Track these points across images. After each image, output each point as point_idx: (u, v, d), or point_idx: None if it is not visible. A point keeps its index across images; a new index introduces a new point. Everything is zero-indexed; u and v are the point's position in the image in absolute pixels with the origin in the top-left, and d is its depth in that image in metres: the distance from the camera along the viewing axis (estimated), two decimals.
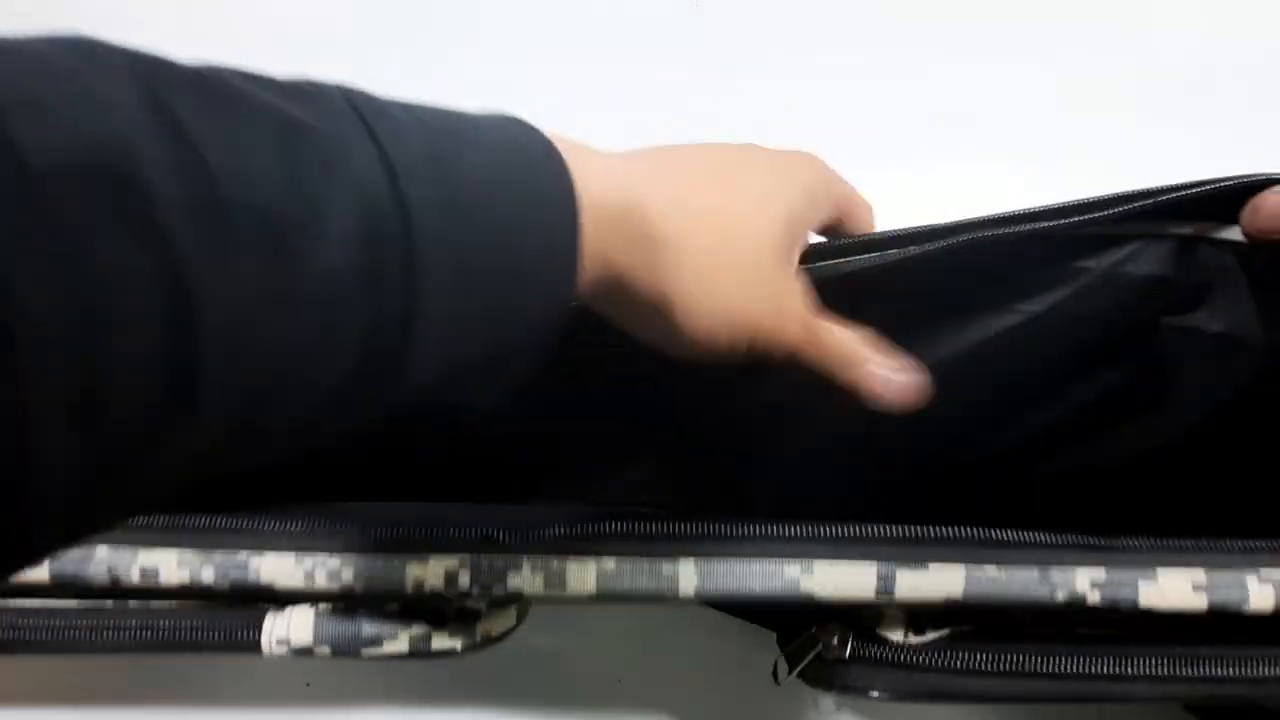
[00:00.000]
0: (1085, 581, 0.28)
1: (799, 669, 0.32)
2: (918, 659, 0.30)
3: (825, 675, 0.31)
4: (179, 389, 0.14)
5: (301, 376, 0.16)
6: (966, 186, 0.44)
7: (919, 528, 0.28)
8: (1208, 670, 0.28)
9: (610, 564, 0.29)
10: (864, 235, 0.30)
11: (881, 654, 0.30)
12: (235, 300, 0.15)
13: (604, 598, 0.29)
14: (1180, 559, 0.28)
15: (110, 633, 0.29)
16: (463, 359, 0.19)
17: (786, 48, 0.49)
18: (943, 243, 0.29)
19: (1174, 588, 0.28)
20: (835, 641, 0.31)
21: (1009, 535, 0.28)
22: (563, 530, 0.28)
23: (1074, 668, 0.29)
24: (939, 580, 0.28)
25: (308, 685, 0.40)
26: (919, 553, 0.28)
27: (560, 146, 0.21)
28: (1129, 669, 0.29)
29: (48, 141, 0.13)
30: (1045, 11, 0.49)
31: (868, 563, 0.28)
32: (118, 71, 0.14)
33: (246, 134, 0.15)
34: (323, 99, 0.17)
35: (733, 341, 0.24)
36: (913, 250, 0.29)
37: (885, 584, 0.29)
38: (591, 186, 0.21)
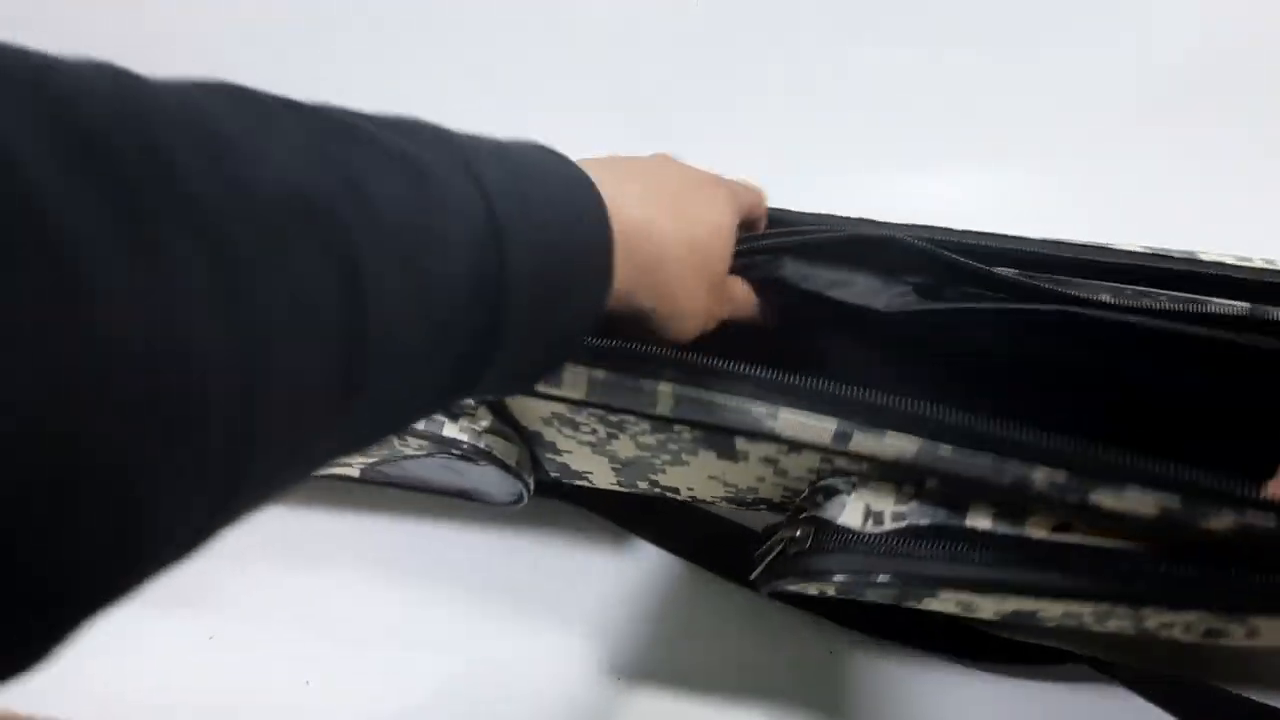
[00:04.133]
0: (1042, 478, 0.29)
1: (767, 563, 0.34)
2: (875, 546, 0.31)
3: (790, 567, 0.32)
4: (357, 374, 0.18)
5: (424, 365, 0.20)
6: (966, 185, 0.46)
7: (886, 396, 0.30)
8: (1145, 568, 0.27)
9: (600, 374, 0.32)
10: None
11: (840, 541, 0.31)
12: (390, 299, 0.18)
13: (592, 403, 0.33)
14: (1157, 483, 0.28)
15: None
16: (532, 351, 0.24)
17: (781, 43, 0.50)
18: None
19: (1135, 499, 0.28)
20: (798, 535, 0.32)
21: (973, 420, 0.29)
22: None
23: (1021, 559, 0.29)
24: (892, 444, 0.30)
25: (307, 683, 0.41)
26: (879, 419, 0.30)
27: (592, 175, 0.25)
28: (1075, 563, 0.28)
29: (263, 181, 0.16)
30: (1047, 12, 0.49)
31: (829, 418, 0.30)
32: (289, 121, 0.18)
33: (385, 172, 0.19)
34: (425, 137, 0.21)
35: (696, 332, 0.31)
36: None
37: (841, 440, 0.30)
38: (619, 218, 0.25)
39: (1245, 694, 0.36)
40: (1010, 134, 0.50)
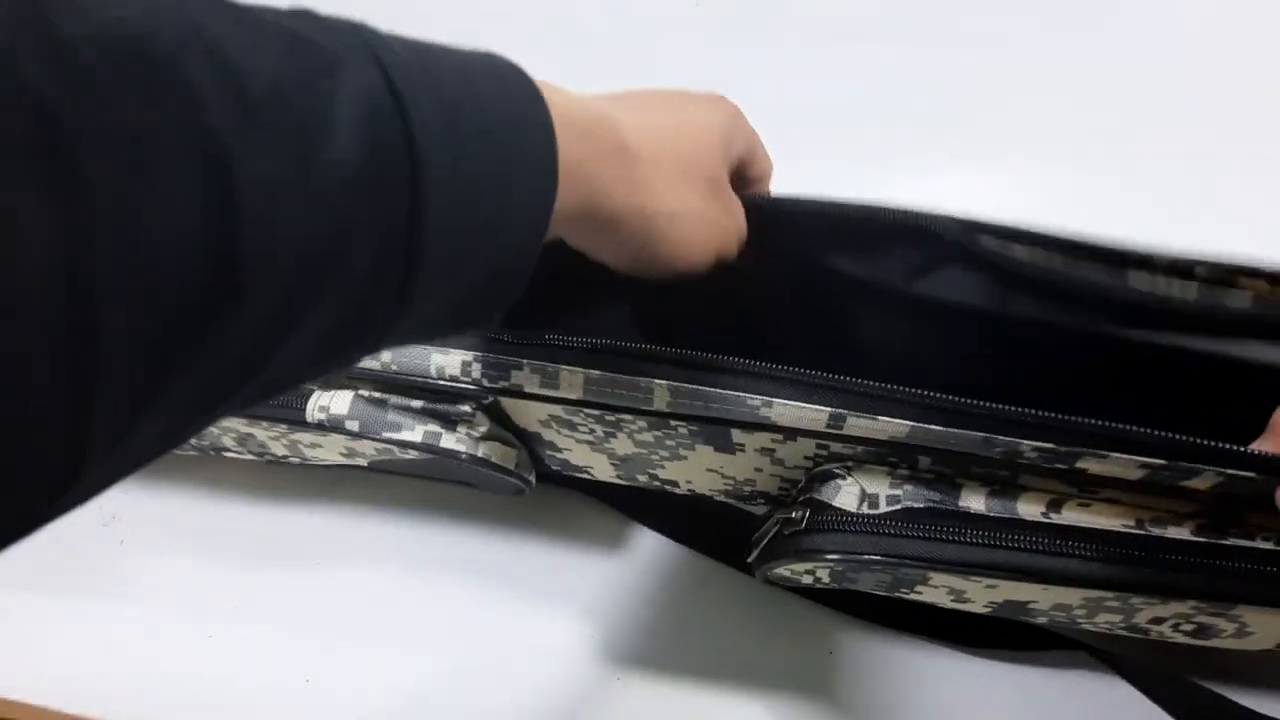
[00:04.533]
0: (1030, 447, 0.30)
1: (763, 546, 0.34)
2: (869, 527, 0.31)
3: (785, 546, 0.33)
4: (222, 267, 0.15)
5: (324, 275, 0.17)
6: (966, 185, 0.45)
7: (877, 385, 0.31)
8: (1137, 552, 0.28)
9: (596, 373, 0.33)
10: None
11: (836, 521, 0.32)
12: (263, 178, 0.15)
13: (589, 403, 0.33)
14: (1139, 448, 0.29)
15: None
16: (462, 280, 0.20)
17: (781, 43, 0.50)
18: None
19: (1121, 464, 0.29)
20: (795, 515, 0.33)
21: (960, 402, 0.30)
22: (559, 340, 0.33)
23: (1013, 540, 0.29)
24: (885, 426, 0.31)
25: (306, 681, 0.41)
26: (870, 405, 0.31)
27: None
28: (1065, 547, 0.29)
29: (82, 24, 0.14)
30: (1047, 12, 0.50)
31: (823, 406, 0.31)
32: None
33: (255, 34, 0.16)
34: (314, 16, 0.18)
35: (704, 253, 0.27)
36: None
37: (836, 422, 0.31)
38: (558, 99, 0.22)
39: (1244, 702, 0.36)
40: (1011, 135, 0.50)
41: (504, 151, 0.20)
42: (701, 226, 0.27)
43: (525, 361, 0.33)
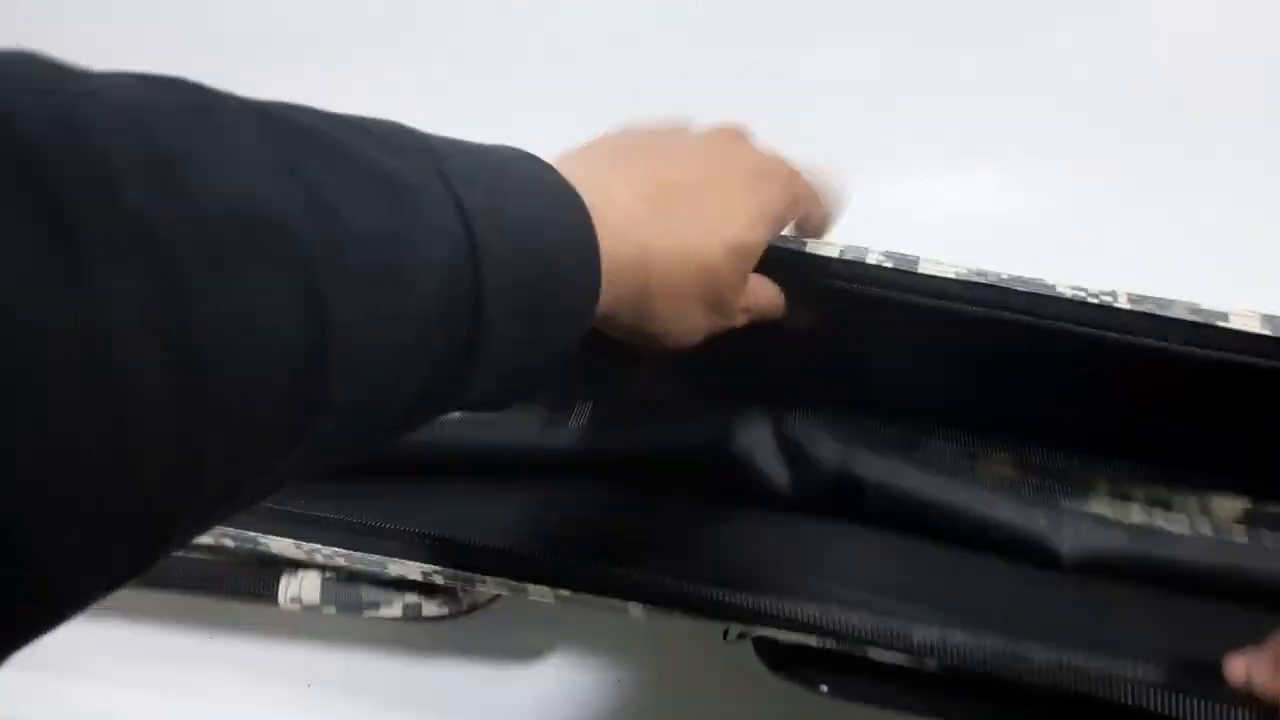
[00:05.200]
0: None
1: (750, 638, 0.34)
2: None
3: (779, 660, 0.32)
4: (307, 409, 0.17)
5: (382, 402, 0.19)
6: (965, 189, 0.45)
7: (873, 623, 0.28)
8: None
9: (565, 593, 0.30)
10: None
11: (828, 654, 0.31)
12: (354, 326, 0.17)
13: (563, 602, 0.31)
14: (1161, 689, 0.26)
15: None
16: (507, 376, 0.22)
17: (784, 42, 0.49)
18: None
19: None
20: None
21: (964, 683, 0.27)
22: (525, 550, 0.30)
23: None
24: (886, 656, 0.29)
25: (309, 686, 0.40)
26: (868, 641, 0.28)
27: (577, 185, 0.23)
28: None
29: (214, 190, 0.15)
30: (1048, 10, 0.48)
31: (813, 637, 0.29)
32: (247, 126, 0.16)
33: (355, 186, 0.18)
34: (401, 147, 0.19)
35: (693, 345, 0.28)
36: None
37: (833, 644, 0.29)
38: (608, 235, 0.23)
39: None
40: (1011, 134, 0.47)
41: (553, 299, 0.22)
42: (696, 336, 0.28)
43: (489, 578, 0.31)
